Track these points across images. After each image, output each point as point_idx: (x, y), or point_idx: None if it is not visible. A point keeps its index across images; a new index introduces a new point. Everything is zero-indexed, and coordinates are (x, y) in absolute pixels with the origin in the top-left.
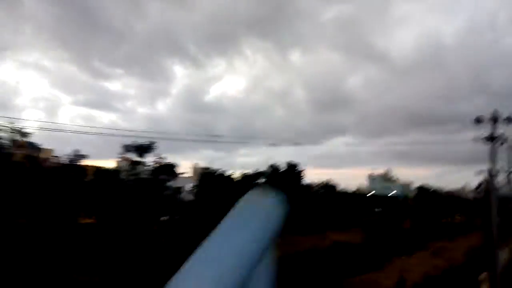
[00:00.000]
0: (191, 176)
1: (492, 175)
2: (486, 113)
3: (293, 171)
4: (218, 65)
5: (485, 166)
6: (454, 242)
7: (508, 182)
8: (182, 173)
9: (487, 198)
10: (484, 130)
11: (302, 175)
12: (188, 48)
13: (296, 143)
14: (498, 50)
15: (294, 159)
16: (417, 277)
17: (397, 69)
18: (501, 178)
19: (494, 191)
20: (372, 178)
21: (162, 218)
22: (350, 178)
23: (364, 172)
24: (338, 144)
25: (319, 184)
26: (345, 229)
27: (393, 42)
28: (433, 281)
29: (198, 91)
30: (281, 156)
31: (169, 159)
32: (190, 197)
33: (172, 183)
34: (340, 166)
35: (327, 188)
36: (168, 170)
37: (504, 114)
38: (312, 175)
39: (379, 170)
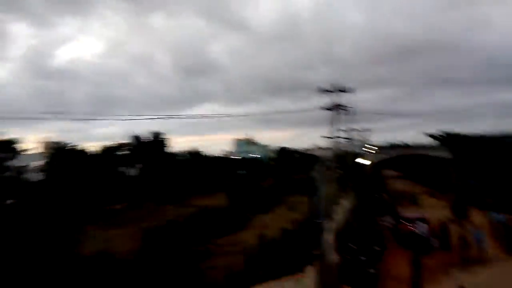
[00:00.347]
0: (40, 152)
1: (330, 138)
2: (331, 83)
3: (157, 141)
4: (70, 25)
5: (329, 130)
6: (307, 195)
7: (347, 142)
8: (27, 150)
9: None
10: (328, 98)
11: (167, 144)
12: (31, 3)
13: (161, 113)
14: (344, 25)
15: (159, 128)
16: (276, 233)
17: (259, 39)
18: (341, 140)
19: (327, 153)
20: (237, 142)
21: (7, 202)
22: (217, 143)
23: (229, 137)
24: (205, 111)
25: (184, 152)
26: (211, 194)
27: (255, 12)
28: (289, 235)
29: (46, 54)
30: (145, 125)
31: (9, 133)
32: (39, 176)
33: (14, 162)
34: (206, 133)
35: (192, 155)
36: (6, 147)
37: (344, 84)
38: (178, 143)
39: (243, 135)
